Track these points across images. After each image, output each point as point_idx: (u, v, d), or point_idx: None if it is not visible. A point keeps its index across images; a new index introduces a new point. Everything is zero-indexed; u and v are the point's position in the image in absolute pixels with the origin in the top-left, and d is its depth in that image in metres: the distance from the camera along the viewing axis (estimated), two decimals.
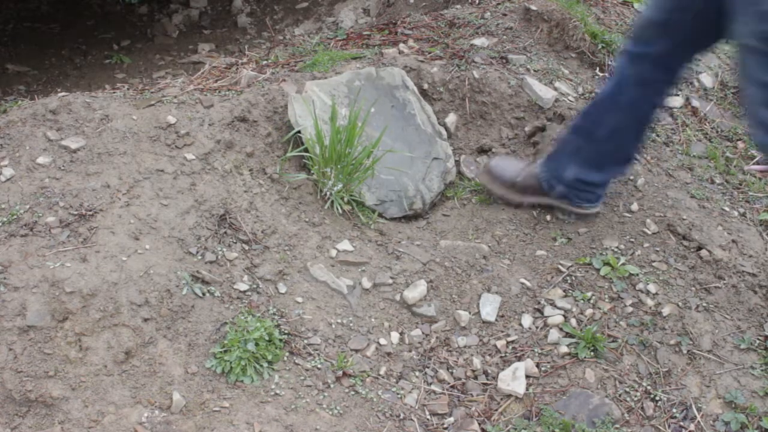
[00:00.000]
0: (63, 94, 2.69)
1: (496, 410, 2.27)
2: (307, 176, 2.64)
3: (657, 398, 2.26)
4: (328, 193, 2.63)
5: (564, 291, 2.54)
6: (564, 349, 2.38)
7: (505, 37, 3.29)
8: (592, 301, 2.50)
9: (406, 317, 2.48)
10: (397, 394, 2.28)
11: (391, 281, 2.54)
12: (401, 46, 3.20)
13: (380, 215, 2.74)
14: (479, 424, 2.23)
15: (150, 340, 2.15)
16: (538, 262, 2.64)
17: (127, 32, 4.48)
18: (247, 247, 2.46)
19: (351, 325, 2.41)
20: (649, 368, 2.33)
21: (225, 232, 2.45)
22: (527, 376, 2.33)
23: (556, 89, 3.09)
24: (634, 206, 2.82)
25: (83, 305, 2.11)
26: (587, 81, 3.25)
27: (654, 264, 2.61)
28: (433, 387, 2.33)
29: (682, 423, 2.22)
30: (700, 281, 2.57)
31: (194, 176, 2.50)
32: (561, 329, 2.43)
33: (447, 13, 3.44)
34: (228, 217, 2.48)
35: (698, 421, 2.21)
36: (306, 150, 2.64)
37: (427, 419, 2.24)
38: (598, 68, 3.35)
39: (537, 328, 2.45)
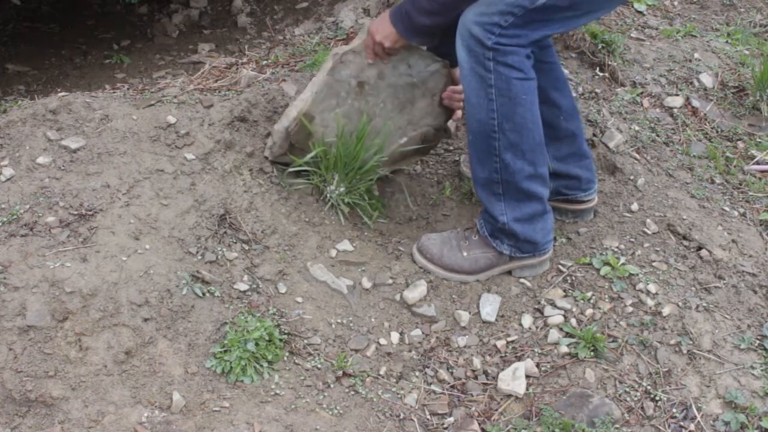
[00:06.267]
0: (63, 94, 2.69)
1: (496, 410, 2.27)
2: (308, 182, 2.62)
3: (657, 398, 2.26)
4: (328, 196, 2.62)
5: (564, 291, 2.54)
6: (564, 349, 2.37)
7: None
8: (592, 301, 2.50)
9: (406, 317, 2.48)
10: (397, 394, 2.28)
11: (391, 281, 2.54)
12: None
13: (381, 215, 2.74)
14: (479, 424, 2.22)
15: (150, 340, 2.15)
16: None
17: (127, 32, 4.47)
18: (247, 247, 2.46)
19: (351, 325, 2.40)
20: (649, 368, 2.33)
21: (225, 232, 2.45)
22: (527, 376, 2.33)
23: None
24: (634, 206, 2.82)
25: (83, 305, 2.11)
26: (587, 81, 3.25)
27: (654, 264, 2.61)
28: (433, 387, 2.33)
29: (682, 423, 2.22)
30: (700, 281, 2.57)
31: (194, 176, 2.50)
32: (561, 329, 2.43)
33: None
34: (228, 217, 2.48)
35: (698, 421, 2.21)
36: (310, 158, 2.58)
37: (427, 419, 2.24)
38: (598, 68, 3.35)
39: (537, 328, 2.45)
